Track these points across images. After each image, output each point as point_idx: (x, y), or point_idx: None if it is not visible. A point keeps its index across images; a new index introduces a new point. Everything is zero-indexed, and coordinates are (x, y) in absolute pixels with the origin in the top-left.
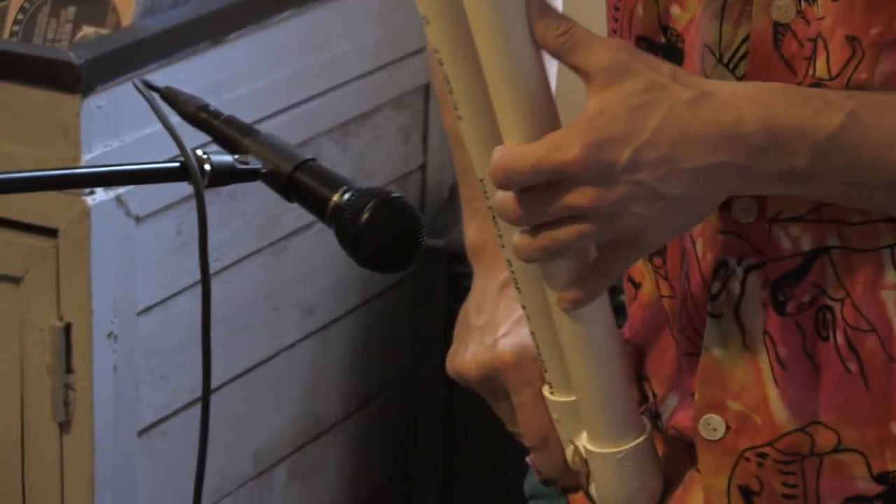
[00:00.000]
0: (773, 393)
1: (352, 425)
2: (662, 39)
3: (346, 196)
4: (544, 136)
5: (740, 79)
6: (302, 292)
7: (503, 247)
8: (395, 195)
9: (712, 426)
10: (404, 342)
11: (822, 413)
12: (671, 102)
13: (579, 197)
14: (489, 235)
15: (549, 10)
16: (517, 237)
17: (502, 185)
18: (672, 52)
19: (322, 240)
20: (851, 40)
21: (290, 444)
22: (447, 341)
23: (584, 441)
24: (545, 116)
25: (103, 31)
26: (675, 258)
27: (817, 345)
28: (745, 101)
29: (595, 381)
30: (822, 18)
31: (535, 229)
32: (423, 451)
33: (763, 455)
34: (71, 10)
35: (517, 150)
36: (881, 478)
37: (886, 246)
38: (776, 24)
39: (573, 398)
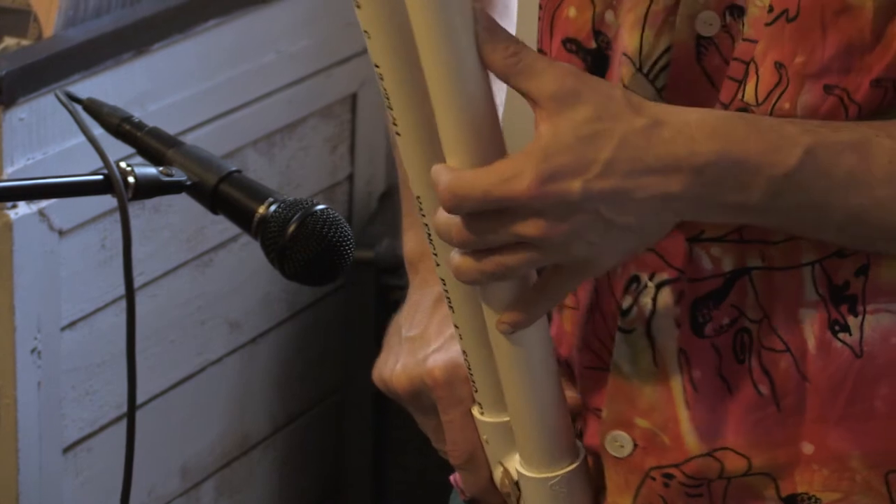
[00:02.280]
0: (683, 414)
1: (280, 441)
2: (593, 45)
3: (272, 208)
4: (495, 163)
5: (660, 90)
6: (229, 306)
7: (438, 265)
8: (321, 207)
9: (619, 443)
10: (333, 356)
11: (732, 438)
12: (623, 132)
13: (529, 227)
14: (427, 247)
15: (499, 31)
16: (459, 259)
17: (450, 210)
18: (600, 58)
19: (249, 253)
20: (779, 67)
21: (218, 459)
22: (377, 355)
23: (516, 464)
24: (489, 138)
25: (25, 42)
26: None
27: (733, 368)
28: (700, 132)
29: (530, 404)
30: (755, 42)
31: (479, 252)
32: (352, 467)
33: (669, 476)
34: None
35: (466, 175)
36: (790, 500)
37: (808, 263)
38: (699, 38)
39: (504, 419)
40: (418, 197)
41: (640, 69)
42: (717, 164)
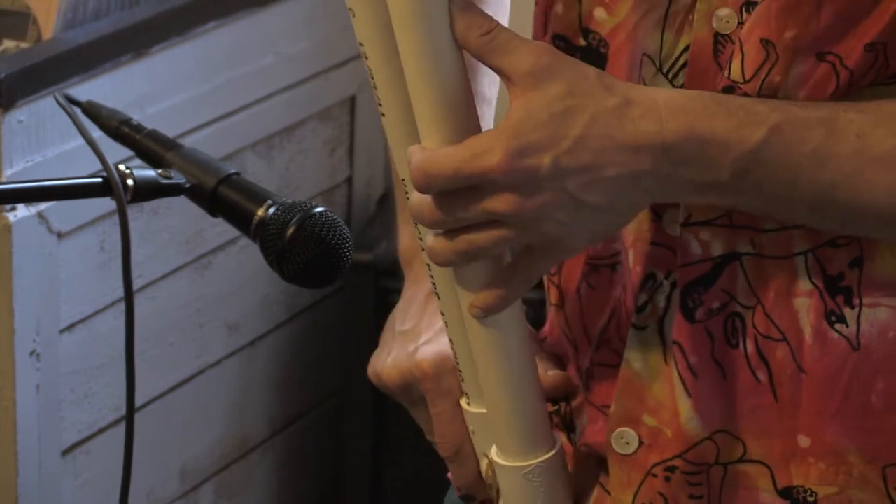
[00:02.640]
0: (684, 404)
1: (279, 444)
2: (582, 42)
3: (271, 211)
4: (465, 140)
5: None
6: (228, 308)
7: (423, 249)
8: (320, 209)
9: (625, 440)
10: (333, 359)
11: (730, 421)
12: (594, 109)
13: (500, 203)
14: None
15: (473, 9)
16: (432, 240)
17: (422, 189)
18: (592, 56)
19: (248, 255)
20: (766, 44)
21: (217, 462)
22: None
23: (493, 454)
24: (464, 117)
25: (24, 45)
26: (572, 269)
27: (726, 352)
28: (669, 111)
29: (504, 392)
30: (742, 22)
31: (452, 233)
32: (351, 469)
33: (672, 469)
34: None
35: (438, 153)
36: (785, 492)
37: (800, 253)
38: (717, 35)
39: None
40: (403, 180)
41: (660, 69)
42: (684, 142)
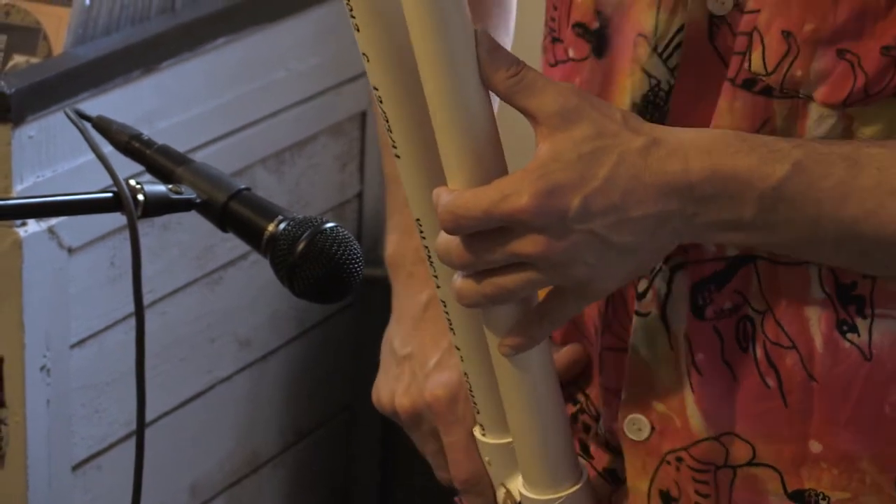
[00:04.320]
0: (689, 398)
1: (289, 458)
2: (596, 25)
3: (282, 226)
4: (494, 181)
5: (672, 70)
6: (238, 324)
7: (438, 287)
8: (330, 225)
9: (637, 426)
10: (342, 374)
11: (738, 424)
12: (622, 150)
13: (529, 245)
14: (407, 250)
15: (500, 51)
16: (460, 282)
17: (450, 230)
18: (602, 38)
19: (258, 270)
20: (787, 35)
21: (227, 477)
22: None
23: (519, 486)
24: (491, 159)
25: (35, 60)
26: None
27: (736, 354)
28: (694, 150)
29: (534, 426)
30: (758, 11)
31: (479, 275)
32: (361, 485)
33: (679, 459)
34: (2, 39)
35: (466, 194)
36: (796, 495)
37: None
38: (712, 17)
39: (506, 440)
40: (418, 220)
41: (654, 49)
42: (709, 181)
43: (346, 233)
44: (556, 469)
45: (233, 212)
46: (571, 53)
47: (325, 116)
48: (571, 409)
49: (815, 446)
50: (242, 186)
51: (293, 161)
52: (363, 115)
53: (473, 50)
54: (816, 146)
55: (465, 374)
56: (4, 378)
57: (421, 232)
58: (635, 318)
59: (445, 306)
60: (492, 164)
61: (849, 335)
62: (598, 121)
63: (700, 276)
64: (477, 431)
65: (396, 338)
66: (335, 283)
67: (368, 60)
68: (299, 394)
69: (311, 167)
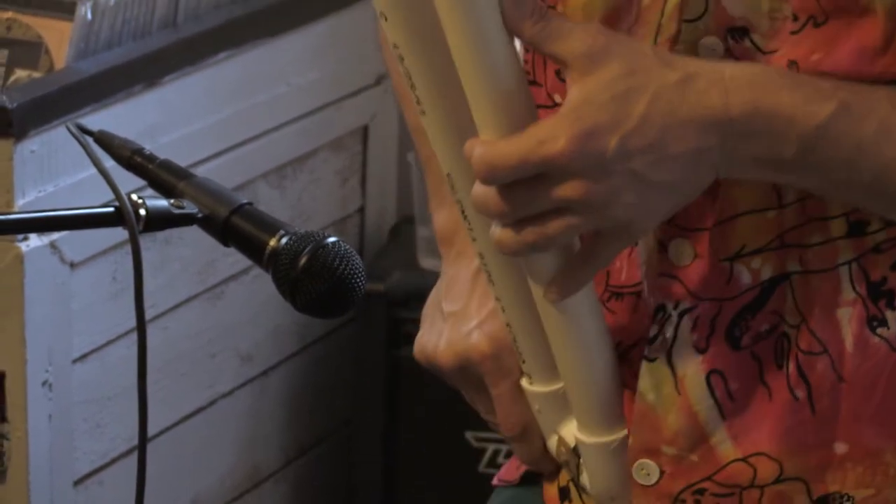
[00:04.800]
0: (717, 427)
1: (291, 474)
2: None
3: (284, 241)
4: (527, 129)
5: None
6: (240, 338)
7: (474, 240)
8: (332, 239)
9: (646, 471)
10: (344, 389)
11: (766, 443)
12: (656, 86)
13: (568, 189)
14: (458, 225)
15: None
16: (500, 232)
17: (487, 181)
18: None
19: (260, 285)
20: (791, 65)
21: (229, 492)
22: (388, 388)
23: (574, 431)
24: (522, 106)
25: (36, 75)
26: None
27: (772, 373)
28: (734, 83)
29: (588, 369)
30: (774, 52)
31: (519, 223)
32: (362, 499)
33: (701, 491)
34: (3, 54)
35: (501, 144)
36: (821, 500)
37: (845, 262)
38: None
39: (554, 388)
40: (449, 174)
41: None
42: (751, 115)
43: (347, 247)
44: (611, 411)
45: (235, 226)
46: (558, 99)
47: (327, 131)
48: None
49: (841, 447)
50: (244, 201)
51: (295, 175)
52: (365, 130)
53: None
54: (860, 87)
55: (508, 324)
56: (6, 393)
57: (452, 186)
58: (643, 364)
59: (483, 258)
60: (523, 112)
61: (879, 330)
62: (628, 58)
63: (736, 310)
64: (524, 381)
65: (444, 298)
66: (337, 298)
67: (386, 19)
68: (301, 409)
69: (312, 182)
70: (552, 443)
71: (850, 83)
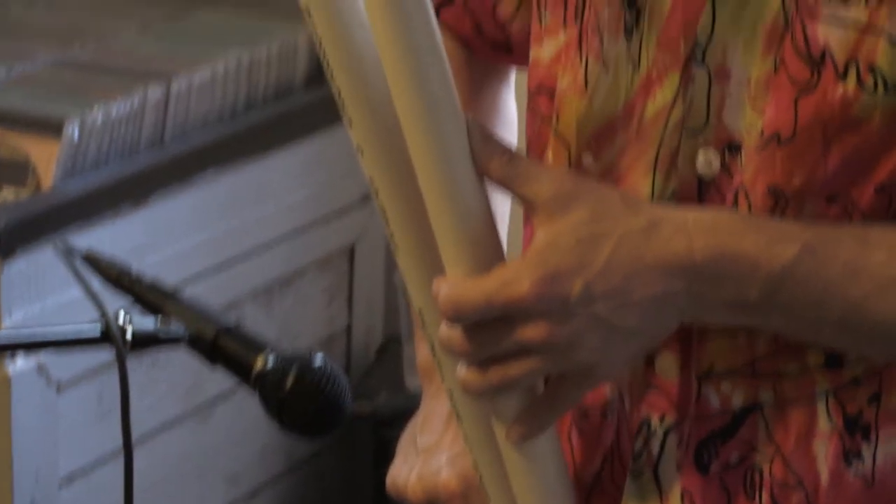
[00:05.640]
0: None
1: None
2: None
3: (270, 361)
4: (494, 270)
5: None
6: (227, 459)
7: (443, 378)
8: (319, 359)
9: None
10: None
11: None
12: (622, 231)
13: (532, 332)
14: None
15: (491, 140)
16: (465, 372)
17: (453, 321)
18: None
19: (246, 405)
20: (773, 191)
21: None
22: None
23: None
24: (489, 246)
25: (24, 193)
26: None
27: None
28: (698, 229)
29: None
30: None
31: (483, 364)
32: None
33: None
34: None
35: (467, 284)
36: None
37: (821, 393)
38: (700, 180)
39: None
40: (420, 310)
41: None
42: (716, 260)
43: (334, 368)
44: None
45: (221, 347)
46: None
47: (314, 250)
48: None
49: None
50: (231, 321)
51: (281, 294)
52: (351, 249)
53: (466, 139)
54: (825, 227)
55: (475, 462)
56: None
57: (423, 322)
58: (629, 479)
59: (451, 396)
60: (489, 251)
61: (854, 463)
62: (594, 204)
63: (706, 431)
64: None
65: (419, 431)
66: (324, 419)
67: (363, 153)
68: None
69: (299, 300)
70: None
71: (815, 224)
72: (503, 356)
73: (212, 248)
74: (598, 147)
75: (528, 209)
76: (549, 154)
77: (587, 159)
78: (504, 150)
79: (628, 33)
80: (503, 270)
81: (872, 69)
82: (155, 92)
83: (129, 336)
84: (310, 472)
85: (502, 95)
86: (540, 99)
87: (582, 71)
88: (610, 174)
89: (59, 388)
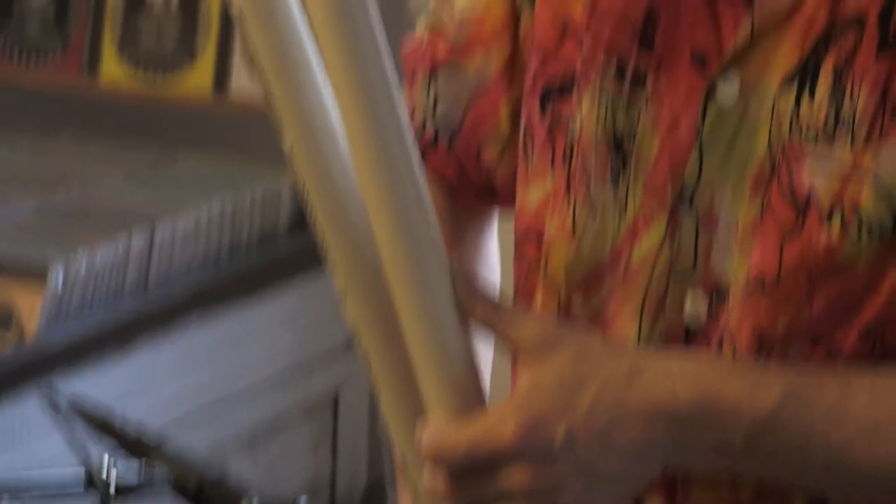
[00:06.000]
0: None
1: None
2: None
3: None
4: (478, 414)
5: None
6: None
7: None
8: None
9: None
10: None
11: None
12: (605, 377)
13: (516, 478)
14: None
15: (476, 285)
16: None
17: (436, 465)
18: None
19: None
20: (758, 335)
21: None
22: None
23: None
24: (472, 389)
25: (8, 340)
26: None
27: None
28: (681, 375)
29: None
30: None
31: None
32: None
33: None
34: None
35: (449, 431)
36: None
37: None
38: (687, 329)
39: None
40: (402, 454)
41: None
42: (699, 406)
43: None
44: None
45: (206, 494)
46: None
47: (298, 396)
48: None
49: None
50: (215, 467)
51: (266, 440)
52: (335, 396)
53: (449, 283)
54: (808, 372)
55: None
56: None
57: (406, 466)
58: None
59: None
60: (472, 394)
61: None
62: (578, 348)
63: None
64: None
65: None
66: None
67: (345, 297)
68: None
69: (283, 446)
70: None
71: (798, 368)
72: (487, 500)
73: (196, 394)
74: (586, 291)
75: (514, 354)
76: (538, 298)
77: (576, 304)
78: (488, 296)
79: (615, 178)
80: (487, 415)
81: (857, 211)
82: (139, 238)
83: (112, 488)
84: None
85: (485, 238)
86: (527, 245)
87: (570, 216)
88: (598, 318)
89: None
